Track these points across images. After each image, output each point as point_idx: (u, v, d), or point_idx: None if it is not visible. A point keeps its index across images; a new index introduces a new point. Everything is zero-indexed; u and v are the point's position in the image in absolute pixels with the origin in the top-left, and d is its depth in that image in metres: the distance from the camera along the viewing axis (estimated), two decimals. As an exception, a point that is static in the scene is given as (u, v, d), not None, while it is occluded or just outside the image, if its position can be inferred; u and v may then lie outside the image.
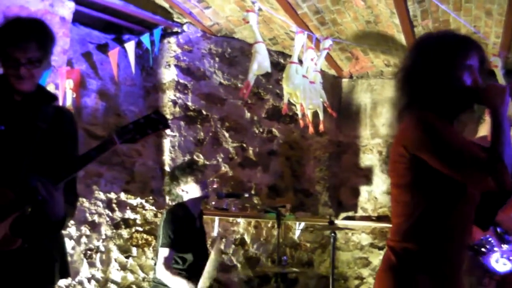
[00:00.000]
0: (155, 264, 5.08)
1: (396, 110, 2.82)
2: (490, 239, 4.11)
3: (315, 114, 6.14)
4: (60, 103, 5.48)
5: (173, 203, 5.37)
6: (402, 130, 2.66)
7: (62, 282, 5.67)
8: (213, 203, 6.78)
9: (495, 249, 4.10)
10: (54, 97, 3.20)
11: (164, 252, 4.93)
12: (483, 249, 4.06)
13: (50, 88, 5.47)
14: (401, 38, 6.63)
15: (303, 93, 5.69)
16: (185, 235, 5.06)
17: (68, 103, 5.47)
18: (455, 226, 2.61)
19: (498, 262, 4.08)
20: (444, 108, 2.62)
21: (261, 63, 5.39)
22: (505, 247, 4.13)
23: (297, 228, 7.95)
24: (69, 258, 5.67)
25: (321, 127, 6.24)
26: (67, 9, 5.87)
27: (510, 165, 2.44)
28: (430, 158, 2.50)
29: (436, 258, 2.57)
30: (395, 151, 2.68)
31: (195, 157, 6.78)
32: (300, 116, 6.11)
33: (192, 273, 5.06)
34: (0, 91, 2.93)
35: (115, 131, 2.81)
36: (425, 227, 2.59)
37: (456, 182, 2.49)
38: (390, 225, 2.79)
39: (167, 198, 6.21)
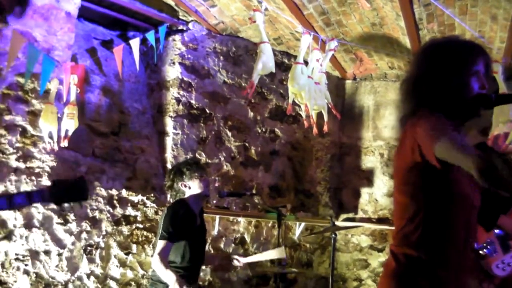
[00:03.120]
0: None
1: (401, 114, 2.83)
2: (492, 243, 4.13)
3: (319, 115, 6.14)
4: (64, 99, 5.48)
5: (174, 200, 5.37)
6: (411, 130, 2.64)
7: (61, 276, 5.68)
8: (214, 201, 6.79)
9: (497, 254, 4.13)
10: None
11: (161, 244, 4.93)
12: (485, 253, 4.08)
13: (55, 82, 5.48)
14: (406, 41, 6.62)
15: (308, 93, 5.69)
16: (184, 231, 5.06)
17: (72, 98, 5.46)
18: (456, 231, 2.60)
19: (499, 267, 4.11)
20: (453, 113, 2.62)
21: (265, 63, 5.38)
22: (506, 252, 4.16)
23: (297, 229, 7.96)
24: (75, 253, 5.73)
25: (325, 128, 6.23)
26: (73, 4, 5.88)
27: None
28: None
29: (438, 263, 2.56)
30: (400, 154, 2.67)
31: (197, 155, 6.77)
32: (304, 116, 6.11)
33: (188, 270, 5.07)
34: None
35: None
36: (426, 231, 2.58)
37: (456, 186, 2.51)
38: (390, 228, 2.80)
39: (168, 195, 6.20)
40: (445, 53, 2.69)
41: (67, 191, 2.79)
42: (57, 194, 2.76)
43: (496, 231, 4.20)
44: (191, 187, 5.23)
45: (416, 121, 2.56)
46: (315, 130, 6.04)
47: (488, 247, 4.11)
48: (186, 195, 5.26)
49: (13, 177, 5.35)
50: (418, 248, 2.58)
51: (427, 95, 2.65)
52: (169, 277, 4.76)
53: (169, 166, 6.47)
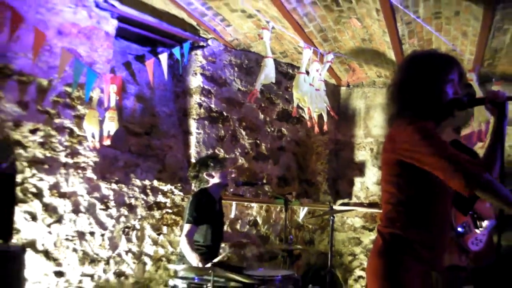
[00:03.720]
0: None
1: (387, 115, 2.85)
2: (468, 223, 4.18)
3: (319, 117, 6.16)
4: (106, 104, 5.54)
5: (198, 188, 5.42)
6: (396, 136, 2.66)
7: (103, 253, 5.74)
8: (231, 190, 6.83)
9: (472, 232, 4.17)
10: None
11: (187, 227, 5.01)
12: (463, 232, 4.12)
13: (97, 91, 5.53)
14: (391, 53, 6.63)
15: (310, 98, 5.71)
16: (206, 216, 5.14)
17: (112, 104, 5.52)
18: (435, 214, 2.64)
19: (473, 243, 4.15)
20: (431, 115, 2.65)
21: (267, 74, 5.42)
22: (479, 231, 4.20)
23: (301, 212, 7.99)
24: (115, 234, 5.78)
25: (325, 127, 6.26)
26: (111, 26, 5.93)
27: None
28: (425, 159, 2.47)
29: (420, 242, 2.59)
30: (389, 149, 2.69)
31: (216, 151, 6.81)
32: (307, 118, 6.13)
33: (209, 249, 5.15)
34: None
35: None
36: (409, 216, 2.62)
37: (435, 177, 2.48)
38: (379, 211, 2.83)
39: (192, 185, 6.23)
40: (424, 64, 2.70)
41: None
42: None
43: (470, 212, 4.25)
44: (214, 176, 5.31)
45: (406, 127, 2.57)
46: (316, 129, 6.07)
47: (465, 227, 4.16)
48: (210, 184, 5.33)
49: (62, 171, 5.41)
50: (402, 229, 2.60)
51: (410, 99, 2.68)
52: (193, 258, 4.84)
53: (193, 160, 6.50)
